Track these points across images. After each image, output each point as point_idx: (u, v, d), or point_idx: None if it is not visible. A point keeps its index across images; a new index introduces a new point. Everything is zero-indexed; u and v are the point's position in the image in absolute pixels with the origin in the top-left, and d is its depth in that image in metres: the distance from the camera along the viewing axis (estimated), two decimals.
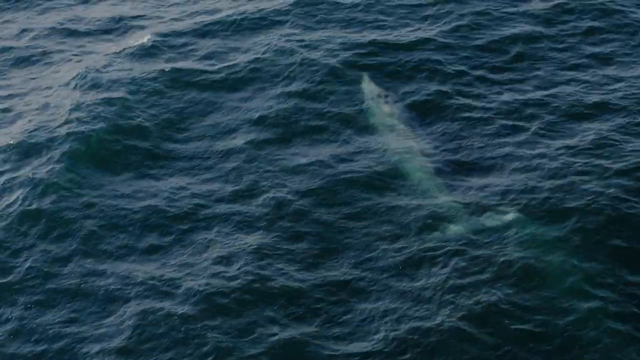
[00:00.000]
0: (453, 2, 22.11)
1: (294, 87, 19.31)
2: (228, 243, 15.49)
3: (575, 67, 19.24)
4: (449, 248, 14.99)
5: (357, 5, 22.45)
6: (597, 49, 19.83)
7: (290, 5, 22.41)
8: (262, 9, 22.55)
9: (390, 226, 15.63)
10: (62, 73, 21.22)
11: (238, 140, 17.96)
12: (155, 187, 16.91)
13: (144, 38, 21.89)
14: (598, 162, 16.39)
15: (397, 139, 17.63)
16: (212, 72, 20.23)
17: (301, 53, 20.28)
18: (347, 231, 15.61)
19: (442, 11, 21.82)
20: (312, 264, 15.02)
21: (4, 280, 15.11)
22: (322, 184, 16.64)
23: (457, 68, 19.61)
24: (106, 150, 17.91)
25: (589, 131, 17.30)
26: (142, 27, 22.76)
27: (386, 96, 18.86)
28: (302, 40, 20.93)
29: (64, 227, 16.06)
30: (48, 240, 15.83)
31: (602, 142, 16.89)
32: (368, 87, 19.14)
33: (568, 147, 16.88)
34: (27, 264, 15.34)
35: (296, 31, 21.45)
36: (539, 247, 14.76)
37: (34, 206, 16.42)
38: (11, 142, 18.37)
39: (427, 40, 20.56)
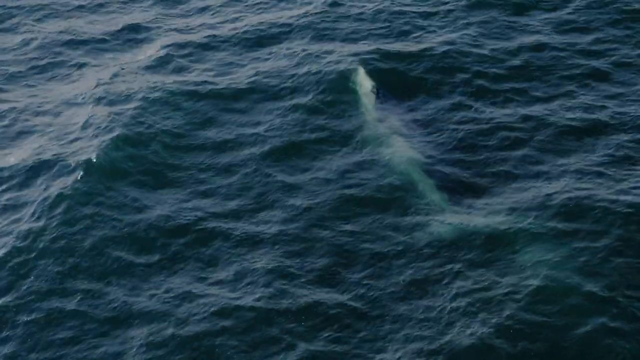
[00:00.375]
0: (458, 11, 22.09)
1: (300, 99, 19.31)
2: (235, 260, 15.47)
3: (583, 79, 19.12)
4: (456, 264, 14.97)
5: (362, 14, 22.45)
6: (605, 60, 19.75)
7: (296, 17, 22.42)
8: (268, 22, 22.58)
9: (396, 241, 15.59)
10: (68, 86, 21.24)
11: (245, 154, 17.94)
12: (163, 201, 16.89)
13: (152, 51, 21.91)
14: (607, 177, 16.33)
15: (395, 143, 17.62)
16: (219, 84, 20.23)
17: (307, 65, 20.28)
18: (353, 247, 15.57)
19: (447, 21, 21.79)
20: (318, 281, 14.99)
21: (6, 298, 15.01)
22: (326, 198, 16.62)
23: (463, 77, 19.59)
24: (115, 164, 17.86)
25: (598, 145, 17.22)
26: (151, 40, 22.77)
27: (379, 91, 18.90)
28: (306, 50, 20.95)
29: (70, 242, 15.99)
30: (53, 256, 15.74)
31: (612, 156, 16.82)
32: (362, 80, 19.18)
33: (576, 162, 16.82)
34: (30, 281, 15.32)
35: (302, 42, 21.46)
36: (547, 263, 14.72)
37: (41, 222, 16.38)
38: (17, 158, 18.35)
39: (431, 50, 20.52)
